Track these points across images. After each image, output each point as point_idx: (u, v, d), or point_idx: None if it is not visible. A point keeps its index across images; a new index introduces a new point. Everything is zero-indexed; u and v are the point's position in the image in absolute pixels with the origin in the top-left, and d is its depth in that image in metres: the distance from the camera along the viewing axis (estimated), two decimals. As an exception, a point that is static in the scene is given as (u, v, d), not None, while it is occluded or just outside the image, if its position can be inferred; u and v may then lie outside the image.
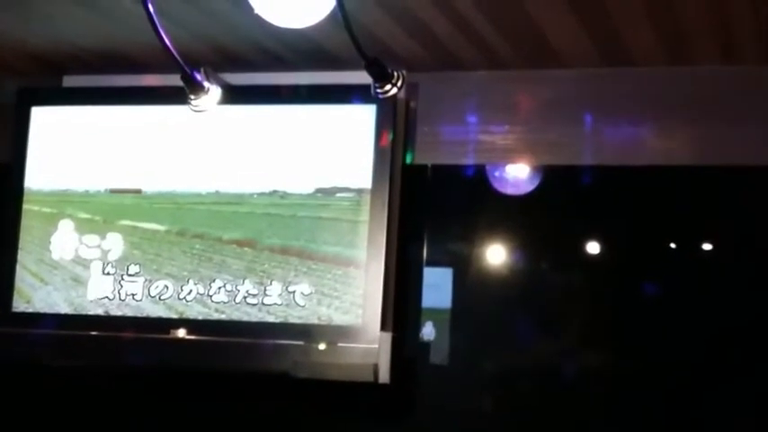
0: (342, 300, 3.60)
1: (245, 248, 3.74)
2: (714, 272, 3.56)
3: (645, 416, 3.53)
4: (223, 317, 3.70)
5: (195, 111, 3.10)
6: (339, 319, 3.59)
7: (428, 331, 3.77)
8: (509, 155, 3.77)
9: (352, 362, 3.52)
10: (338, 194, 3.67)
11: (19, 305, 3.88)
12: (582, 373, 3.59)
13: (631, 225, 3.65)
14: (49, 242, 3.89)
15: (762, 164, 3.49)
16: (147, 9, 2.78)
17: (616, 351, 3.61)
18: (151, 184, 3.85)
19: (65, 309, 3.84)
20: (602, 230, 3.70)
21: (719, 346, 3.50)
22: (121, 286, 3.80)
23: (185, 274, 3.76)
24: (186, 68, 3.03)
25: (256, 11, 2.87)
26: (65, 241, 3.89)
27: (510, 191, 3.82)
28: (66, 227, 3.89)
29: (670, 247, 3.66)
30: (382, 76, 2.99)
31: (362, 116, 3.68)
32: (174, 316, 3.73)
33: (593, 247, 3.74)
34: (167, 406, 3.89)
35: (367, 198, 3.63)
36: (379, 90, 3.01)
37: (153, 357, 3.70)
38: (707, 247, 3.64)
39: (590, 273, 3.69)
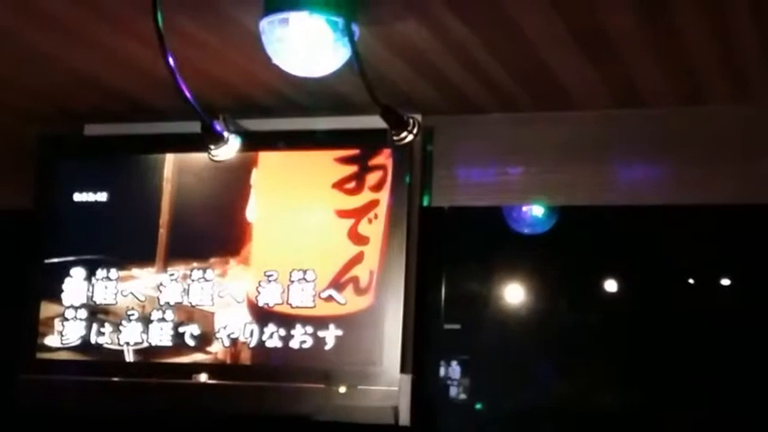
0: (362, 343, 3.62)
1: (268, 293, 3.77)
2: (732, 310, 3.58)
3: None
4: (245, 361, 3.73)
5: (215, 160, 3.15)
6: (359, 361, 3.61)
7: (454, 371, 3.79)
8: (524, 196, 3.81)
9: (372, 404, 3.54)
10: (356, 237, 3.70)
11: (43, 352, 3.91)
12: (602, 413, 3.60)
13: (647, 264, 3.67)
14: (74, 289, 3.93)
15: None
16: (168, 61, 2.83)
17: (637, 391, 3.61)
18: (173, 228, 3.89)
19: (88, 355, 3.86)
20: (618, 270, 3.72)
21: (739, 384, 3.51)
22: (145, 331, 3.83)
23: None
24: (206, 118, 3.07)
25: (274, 60, 2.93)
26: (89, 287, 3.92)
27: (526, 231, 3.87)
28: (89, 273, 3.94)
29: (688, 285, 3.68)
30: (397, 124, 3.04)
31: (379, 160, 3.71)
32: (197, 360, 3.76)
33: (610, 287, 3.77)
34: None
35: (385, 241, 3.65)
36: (395, 137, 3.06)
37: (176, 402, 3.73)
38: (725, 283, 3.66)
39: (607, 312, 3.71)
